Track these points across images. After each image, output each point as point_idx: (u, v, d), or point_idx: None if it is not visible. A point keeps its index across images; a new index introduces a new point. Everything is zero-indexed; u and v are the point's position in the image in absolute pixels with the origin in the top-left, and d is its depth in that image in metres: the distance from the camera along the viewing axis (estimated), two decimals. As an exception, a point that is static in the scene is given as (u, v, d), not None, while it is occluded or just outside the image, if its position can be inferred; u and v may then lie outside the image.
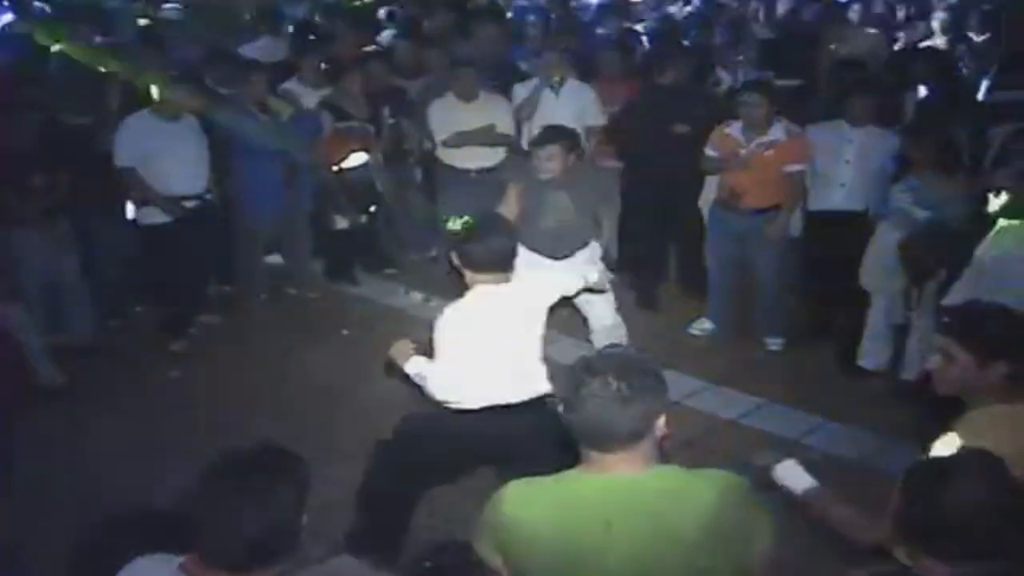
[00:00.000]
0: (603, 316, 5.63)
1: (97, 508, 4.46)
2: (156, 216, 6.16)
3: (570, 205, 5.48)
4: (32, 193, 5.80)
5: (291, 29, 8.71)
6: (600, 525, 2.21)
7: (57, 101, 6.30)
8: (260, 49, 8.04)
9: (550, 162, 5.39)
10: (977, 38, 8.54)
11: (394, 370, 3.81)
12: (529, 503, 2.30)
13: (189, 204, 6.18)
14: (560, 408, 2.26)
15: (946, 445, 2.68)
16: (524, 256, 5.59)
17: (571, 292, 4.51)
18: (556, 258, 5.47)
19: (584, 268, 5.00)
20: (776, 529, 2.31)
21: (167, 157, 6.07)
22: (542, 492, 2.32)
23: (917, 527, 2.17)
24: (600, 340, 5.54)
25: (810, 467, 2.84)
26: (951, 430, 2.74)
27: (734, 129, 6.08)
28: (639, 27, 9.39)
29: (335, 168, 7.06)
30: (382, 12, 10.22)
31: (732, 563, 2.24)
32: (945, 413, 2.84)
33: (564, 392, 2.25)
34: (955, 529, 2.11)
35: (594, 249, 5.65)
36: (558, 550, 2.23)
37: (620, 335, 5.60)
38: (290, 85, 7.18)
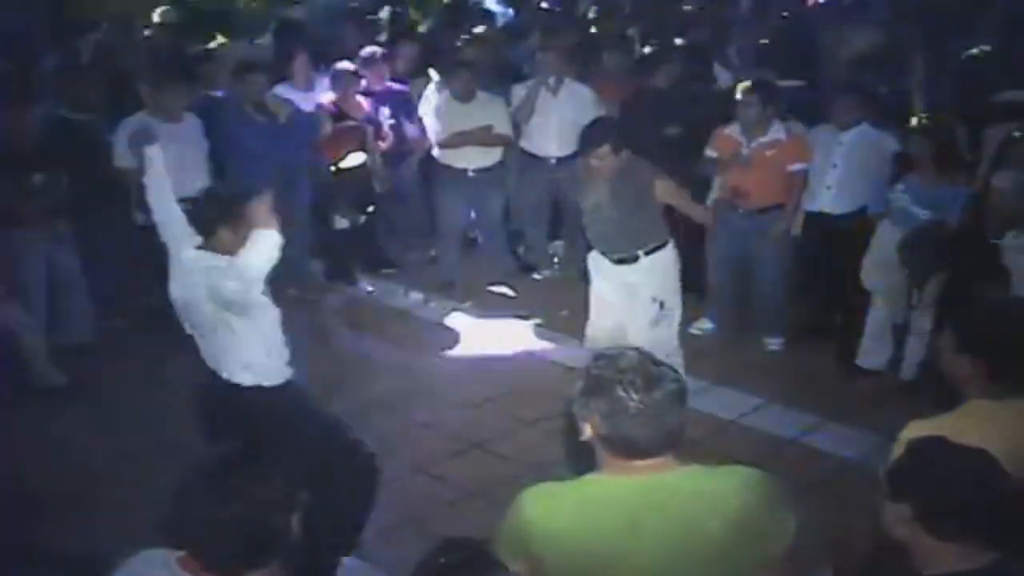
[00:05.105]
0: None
1: (98, 508, 4.48)
2: (154, 217, 6.15)
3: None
4: (32, 193, 5.80)
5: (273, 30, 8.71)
6: (628, 527, 2.22)
7: (62, 97, 6.31)
8: (260, 49, 8.05)
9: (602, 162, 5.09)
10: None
11: None
12: (553, 509, 2.29)
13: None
14: (603, 415, 2.23)
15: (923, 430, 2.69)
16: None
17: None
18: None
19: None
20: (795, 521, 2.32)
21: (166, 159, 6.05)
22: (565, 497, 2.31)
23: (925, 501, 2.17)
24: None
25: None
26: (934, 421, 2.74)
27: (734, 130, 6.09)
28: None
29: (334, 168, 7.07)
30: (384, 12, 10.23)
31: (756, 558, 2.26)
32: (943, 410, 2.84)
33: (602, 399, 2.22)
34: (962, 506, 2.14)
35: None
36: (586, 554, 2.23)
37: None
38: (280, 89, 7.12)
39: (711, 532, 2.21)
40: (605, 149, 5.02)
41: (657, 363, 2.28)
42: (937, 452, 2.24)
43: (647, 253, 5.22)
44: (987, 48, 6.91)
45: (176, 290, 3.81)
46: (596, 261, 5.40)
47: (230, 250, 3.69)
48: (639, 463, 2.24)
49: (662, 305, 5.25)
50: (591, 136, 5.18)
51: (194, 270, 3.73)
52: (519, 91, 7.17)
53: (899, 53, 7.28)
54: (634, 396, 2.19)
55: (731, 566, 2.23)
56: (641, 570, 2.22)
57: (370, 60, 7.43)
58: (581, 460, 2.39)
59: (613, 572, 2.23)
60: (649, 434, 2.21)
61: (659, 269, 5.27)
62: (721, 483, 2.28)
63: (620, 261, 5.27)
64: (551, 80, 7.04)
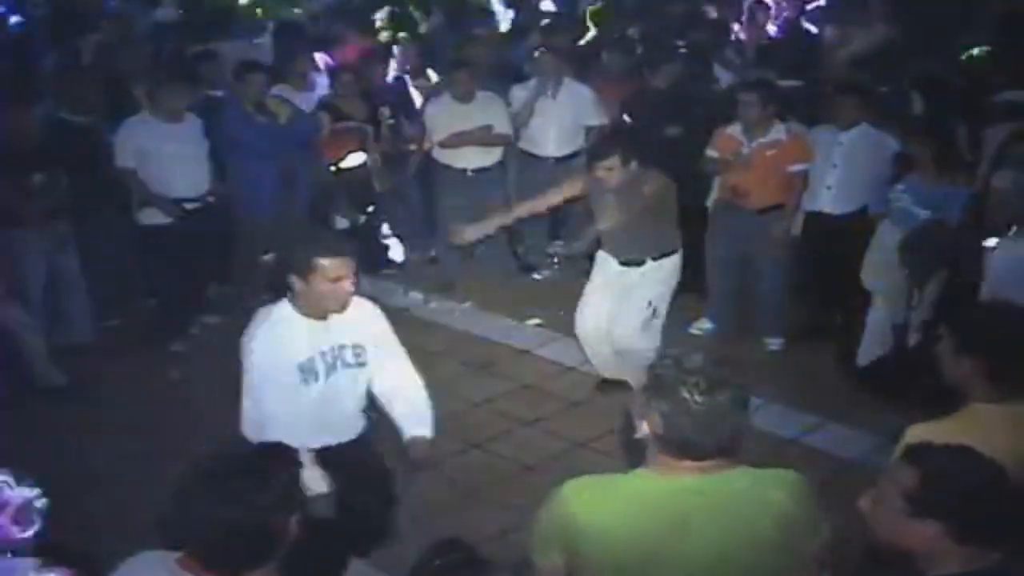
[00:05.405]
0: None
1: (98, 508, 4.47)
2: (157, 217, 6.16)
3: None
4: (32, 193, 5.80)
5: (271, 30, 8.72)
6: (679, 527, 2.22)
7: (62, 97, 6.32)
8: (260, 49, 8.05)
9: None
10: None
11: None
12: (600, 504, 2.28)
13: (190, 206, 6.18)
14: (663, 415, 2.22)
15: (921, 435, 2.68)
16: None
17: None
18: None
19: None
20: (829, 521, 2.34)
21: (167, 158, 6.07)
22: (612, 493, 2.31)
23: (958, 517, 2.14)
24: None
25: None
26: (934, 425, 2.74)
27: (735, 130, 6.09)
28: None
29: (334, 168, 7.07)
30: (384, 12, 10.23)
31: (801, 558, 2.28)
32: (940, 412, 2.84)
33: (664, 398, 2.21)
34: (994, 516, 2.12)
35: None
36: (633, 551, 2.23)
37: None
38: (280, 89, 7.11)
39: (759, 533, 2.23)
40: (613, 160, 5.04)
41: (721, 367, 2.27)
42: (956, 465, 2.18)
43: (654, 258, 5.33)
44: (987, 48, 6.92)
45: None
46: (603, 260, 5.48)
47: (302, 301, 3.56)
48: (690, 464, 2.25)
49: (655, 312, 5.34)
50: (600, 146, 5.28)
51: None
52: (519, 93, 7.17)
53: (898, 53, 7.29)
54: (697, 398, 2.18)
55: (775, 566, 2.25)
56: (688, 569, 2.23)
57: (370, 59, 7.44)
58: (633, 456, 2.39)
59: (659, 570, 2.24)
60: (707, 437, 2.21)
61: (662, 275, 5.38)
62: (765, 484, 2.29)
63: (626, 263, 5.35)
64: (550, 86, 7.05)
